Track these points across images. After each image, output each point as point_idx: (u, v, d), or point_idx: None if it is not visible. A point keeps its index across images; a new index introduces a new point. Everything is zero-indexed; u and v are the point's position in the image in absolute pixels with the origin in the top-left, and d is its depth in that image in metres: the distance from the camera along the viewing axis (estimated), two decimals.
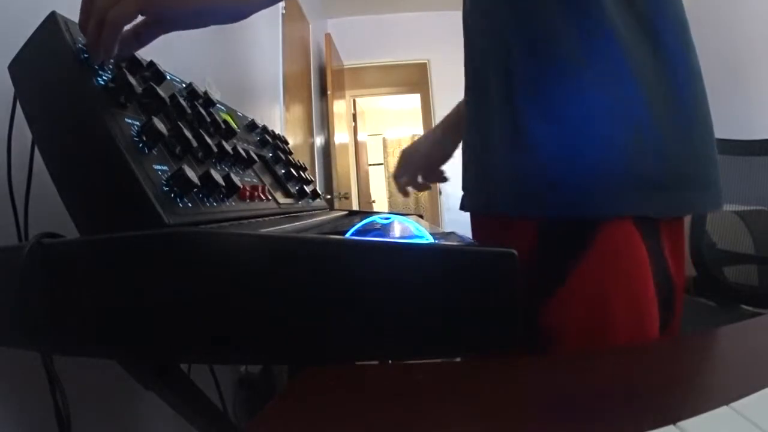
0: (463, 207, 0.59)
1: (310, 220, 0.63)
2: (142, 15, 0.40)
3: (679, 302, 0.50)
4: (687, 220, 1.37)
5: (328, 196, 2.87)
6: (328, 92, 2.94)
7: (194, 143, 0.45)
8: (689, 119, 0.46)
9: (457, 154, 0.66)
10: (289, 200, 0.67)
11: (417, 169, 0.80)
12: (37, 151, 0.40)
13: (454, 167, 0.72)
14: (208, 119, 0.52)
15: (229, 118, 0.61)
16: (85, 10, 0.40)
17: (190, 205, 0.39)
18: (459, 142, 0.69)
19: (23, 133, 0.43)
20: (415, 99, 4.61)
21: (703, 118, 0.48)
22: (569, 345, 0.44)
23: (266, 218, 0.54)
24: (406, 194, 0.83)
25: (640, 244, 0.44)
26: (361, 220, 0.48)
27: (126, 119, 0.38)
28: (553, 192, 0.44)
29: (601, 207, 0.43)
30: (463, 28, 0.58)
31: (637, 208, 0.43)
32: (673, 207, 0.45)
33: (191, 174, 0.38)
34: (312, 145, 2.71)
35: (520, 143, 0.46)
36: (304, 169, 0.83)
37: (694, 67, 0.48)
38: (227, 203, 0.45)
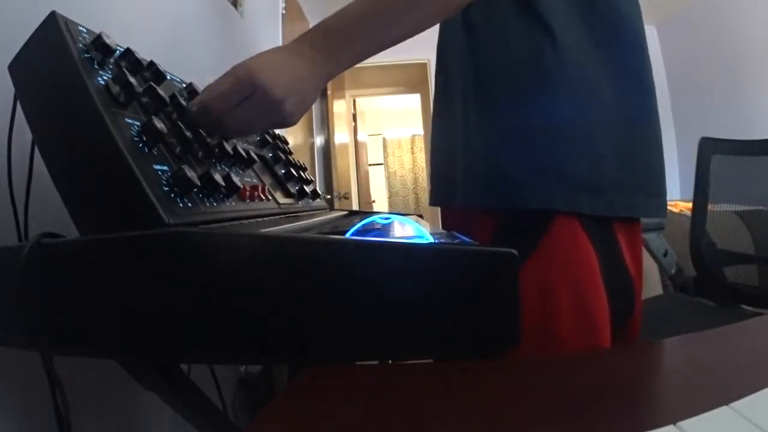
0: (431, 202, 0.66)
1: (310, 220, 0.63)
2: None
3: (639, 292, 0.55)
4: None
5: (328, 196, 2.87)
6: (328, 92, 2.94)
7: (194, 143, 0.45)
8: (636, 135, 0.51)
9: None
10: (289, 200, 0.67)
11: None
12: (37, 151, 0.40)
13: None
14: None
15: None
16: (203, 113, 0.46)
17: (190, 205, 0.39)
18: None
19: (23, 133, 0.43)
20: (415, 99, 4.61)
21: (653, 134, 0.53)
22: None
23: (266, 218, 0.53)
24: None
25: (586, 242, 0.48)
26: (361, 220, 0.48)
27: (126, 119, 0.38)
28: (503, 187, 0.50)
29: (540, 202, 0.48)
30: (440, 36, 0.65)
31: (573, 204, 0.48)
32: (604, 207, 0.49)
33: (191, 174, 0.38)
34: (312, 145, 2.71)
35: (476, 145, 0.53)
36: (304, 169, 0.83)
37: (650, 87, 0.53)
38: (227, 203, 0.45)
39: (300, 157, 1.77)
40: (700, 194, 1.30)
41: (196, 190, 0.39)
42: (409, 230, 0.46)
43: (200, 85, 0.59)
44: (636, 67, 0.52)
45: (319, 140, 2.93)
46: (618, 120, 0.50)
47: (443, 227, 0.65)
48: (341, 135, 3.34)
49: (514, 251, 0.33)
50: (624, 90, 0.50)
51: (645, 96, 0.53)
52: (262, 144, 0.74)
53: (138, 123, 0.40)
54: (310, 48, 0.47)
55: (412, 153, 6.50)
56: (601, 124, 0.49)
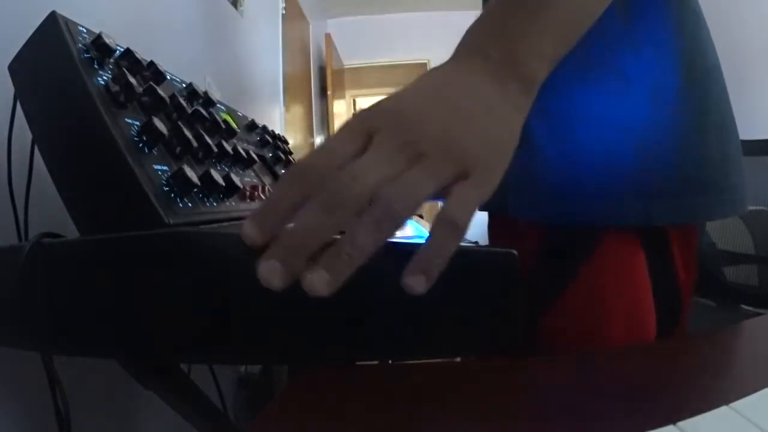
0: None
1: None
2: None
3: (686, 313, 0.50)
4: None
5: None
6: (328, 92, 2.93)
7: (194, 143, 0.45)
8: (700, 120, 0.44)
9: None
10: None
11: None
12: (37, 151, 0.40)
13: None
14: (208, 119, 0.52)
15: (229, 118, 0.61)
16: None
17: (190, 205, 0.39)
18: None
19: (23, 133, 0.43)
20: None
21: (720, 118, 0.46)
22: (567, 348, 0.44)
23: None
24: None
25: (640, 255, 0.44)
26: None
27: (126, 119, 0.38)
28: (556, 200, 0.44)
29: (600, 217, 0.43)
30: None
31: (636, 217, 0.42)
32: (674, 214, 0.43)
33: (191, 174, 0.38)
34: (312, 145, 2.71)
35: (529, 150, 0.44)
36: None
37: (708, 62, 0.46)
38: (227, 203, 0.45)
39: (300, 157, 1.77)
40: None
41: (196, 190, 0.39)
42: (408, 230, 0.46)
43: (200, 85, 0.59)
44: (691, 44, 0.47)
45: (319, 140, 2.93)
46: (677, 109, 0.43)
47: (489, 233, 0.59)
48: None
49: (514, 251, 0.33)
50: (680, 73, 0.44)
51: (708, 76, 0.46)
52: (262, 144, 0.74)
53: (138, 123, 0.39)
54: (480, 59, 0.31)
55: None
56: (660, 116, 0.43)
